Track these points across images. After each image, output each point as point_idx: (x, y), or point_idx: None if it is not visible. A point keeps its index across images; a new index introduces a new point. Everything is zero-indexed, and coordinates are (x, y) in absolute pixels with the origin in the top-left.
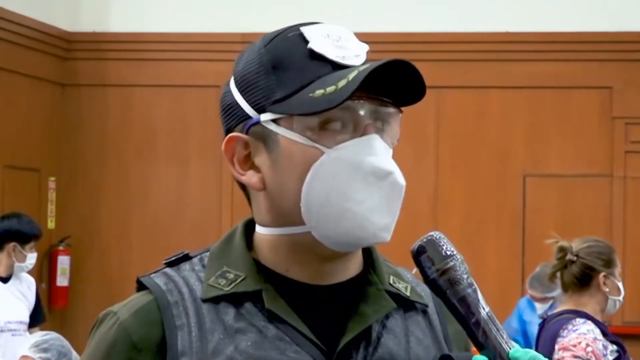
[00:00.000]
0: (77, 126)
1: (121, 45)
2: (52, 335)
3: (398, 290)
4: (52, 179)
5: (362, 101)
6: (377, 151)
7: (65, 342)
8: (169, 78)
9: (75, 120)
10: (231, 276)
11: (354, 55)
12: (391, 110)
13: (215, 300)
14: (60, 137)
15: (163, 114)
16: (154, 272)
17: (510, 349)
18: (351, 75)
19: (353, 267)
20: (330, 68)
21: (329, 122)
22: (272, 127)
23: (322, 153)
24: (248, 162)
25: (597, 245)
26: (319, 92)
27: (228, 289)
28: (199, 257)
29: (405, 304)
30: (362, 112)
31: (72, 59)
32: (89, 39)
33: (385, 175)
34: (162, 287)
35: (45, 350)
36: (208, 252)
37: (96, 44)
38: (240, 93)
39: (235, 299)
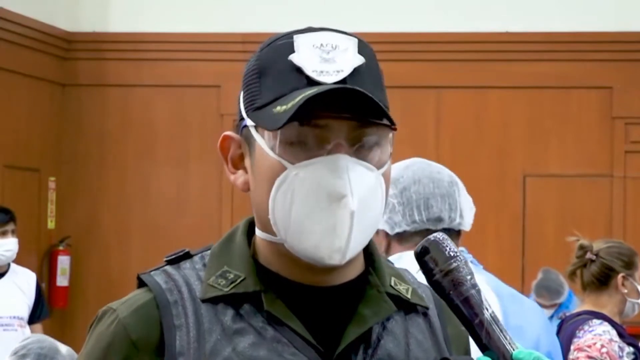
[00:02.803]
0: (77, 126)
1: (121, 45)
2: (31, 339)
3: (399, 292)
4: (52, 179)
5: (329, 120)
6: (338, 172)
7: (46, 343)
8: (169, 78)
9: (75, 120)
10: (231, 276)
11: (334, 70)
12: (374, 128)
13: (214, 301)
14: (60, 137)
15: (163, 114)
16: (155, 269)
17: (514, 349)
18: (298, 97)
19: (353, 269)
20: (305, 82)
21: (296, 137)
22: (253, 132)
23: (286, 168)
24: (242, 162)
25: (618, 247)
26: (278, 108)
27: (227, 289)
28: (200, 255)
29: (406, 306)
30: (328, 131)
31: (72, 59)
32: (89, 39)
33: (338, 199)
34: (162, 285)
35: (23, 356)
36: (209, 251)
37: (96, 44)
38: (242, 92)
39: (234, 300)
